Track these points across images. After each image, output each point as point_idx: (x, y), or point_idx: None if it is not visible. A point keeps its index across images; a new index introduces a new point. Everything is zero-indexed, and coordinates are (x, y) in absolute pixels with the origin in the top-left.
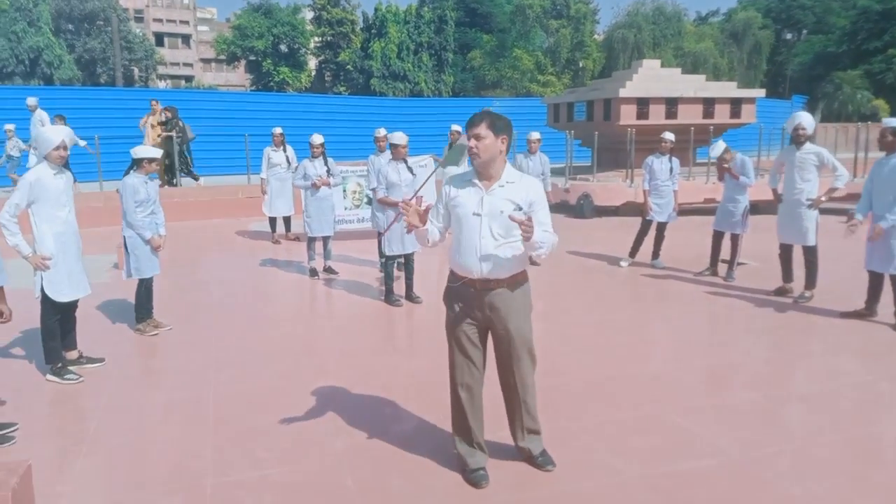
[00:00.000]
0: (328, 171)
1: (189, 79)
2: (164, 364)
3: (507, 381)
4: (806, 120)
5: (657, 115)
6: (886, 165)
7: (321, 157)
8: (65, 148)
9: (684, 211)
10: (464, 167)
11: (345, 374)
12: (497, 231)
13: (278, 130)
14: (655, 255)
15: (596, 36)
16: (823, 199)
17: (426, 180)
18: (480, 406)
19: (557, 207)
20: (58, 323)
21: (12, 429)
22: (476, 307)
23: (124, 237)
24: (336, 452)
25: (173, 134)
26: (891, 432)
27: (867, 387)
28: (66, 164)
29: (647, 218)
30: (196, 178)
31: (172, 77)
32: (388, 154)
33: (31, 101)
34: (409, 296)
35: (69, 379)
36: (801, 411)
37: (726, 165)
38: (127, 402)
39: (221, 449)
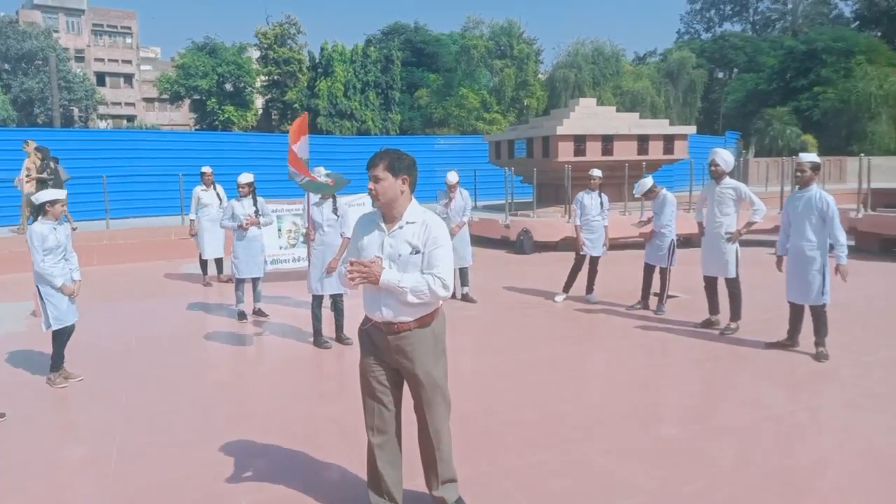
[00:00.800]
0: (257, 210)
1: (131, 118)
2: (70, 418)
3: (421, 426)
4: (720, 156)
5: (594, 152)
6: (801, 199)
7: (250, 197)
8: None
9: (620, 245)
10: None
11: (262, 423)
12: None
13: (207, 169)
14: (589, 289)
15: (540, 75)
16: (742, 231)
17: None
18: (395, 453)
19: (498, 243)
20: None
21: None
22: (384, 350)
23: (37, 286)
24: None
25: (45, 176)
26: (806, 462)
27: (786, 418)
28: None
29: (581, 253)
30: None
31: (114, 117)
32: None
33: None
34: (339, 337)
35: None
36: (723, 445)
37: (644, 224)
38: (23, 460)
39: None
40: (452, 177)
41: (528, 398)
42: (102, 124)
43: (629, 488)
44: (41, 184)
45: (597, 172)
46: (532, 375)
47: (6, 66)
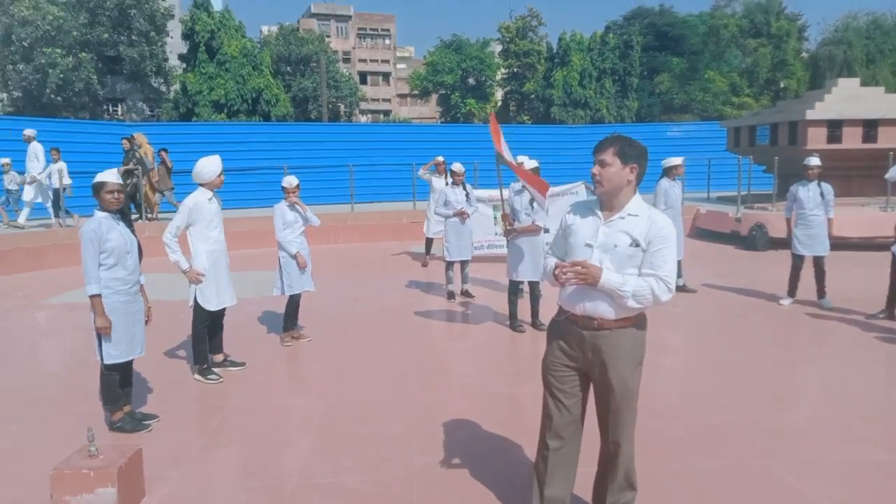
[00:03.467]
0: (467, 196)
1: (387, 113)
2: (294, 372)
3: (602, 438)
4: None
5: (852, 139)
6: None
7: (461, 185)
8: (222, 174)
9: (877, 245)
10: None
11: (447, 395)
12: (608, 266)
13: (440, 159)
14: (820, 293)
15: (803, 54)
16: None
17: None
18: (570, 462)
19: (727, 238)
20: (206, 329)
21: (153, 420)
22: (577, 347)
23: (279, 258)
24: (413, 468)
25: (130, 166)
26: None
27: None
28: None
29: (795, 253)
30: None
31: (373, 112)
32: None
33: (29, 132)
34: (534, 323)
35: (211, 379)
36: None
37: None
38: (251, 403)
39: (315, 453)
40: (675, 159)
41: (720, 403)
42: (363, 119)
43: None
44: (127, 174)
45: (814, 161)
46: (731, 380)
47: (288, 68)
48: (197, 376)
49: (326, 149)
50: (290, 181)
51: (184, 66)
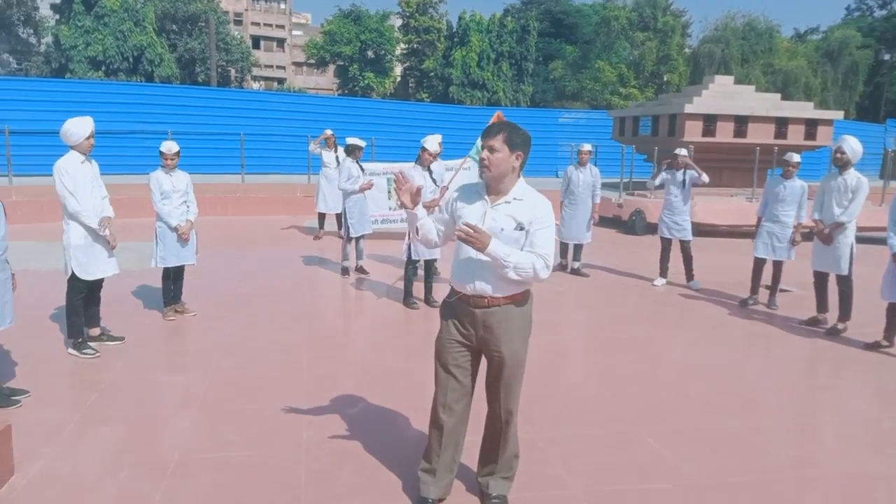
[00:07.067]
0: (362, 170)
1: (282, 81)
2: (179, 347)
3: (491, 408)
4: (848, 144)
5: (725, 133)
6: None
7: (356, 161)
8: (92, 137)
9: (746, 234)
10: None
11: (338, 370)
12: None
13: (329, 133)
14: (688, 276)
15: (686, 50)
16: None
17: (454, 174)
18: (460, 435)
19: (610, 222)
20: (81, 300)
21: (22, 395)
22: (469, 325)
23: (156, 227)
24: (300, 442)
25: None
26: (874, 472)
27: (868, 425)
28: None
29: (661, 236)
30: None
31: (266, 79)
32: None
33: None
34: (427, 300)
35: (87, 353)
36: (784, 444)
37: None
38: (131, 379)
39: (198, 428)
40: (585, 145)
41: (595, 375)
42: (255, 85)
43: (672, 472)
44: None
45: (680, 151)
46: (606, 354)
47: (174, 26)
48: (71, 350)
49: (216, 115)
50: (165, 145)
51: (57, 17)
